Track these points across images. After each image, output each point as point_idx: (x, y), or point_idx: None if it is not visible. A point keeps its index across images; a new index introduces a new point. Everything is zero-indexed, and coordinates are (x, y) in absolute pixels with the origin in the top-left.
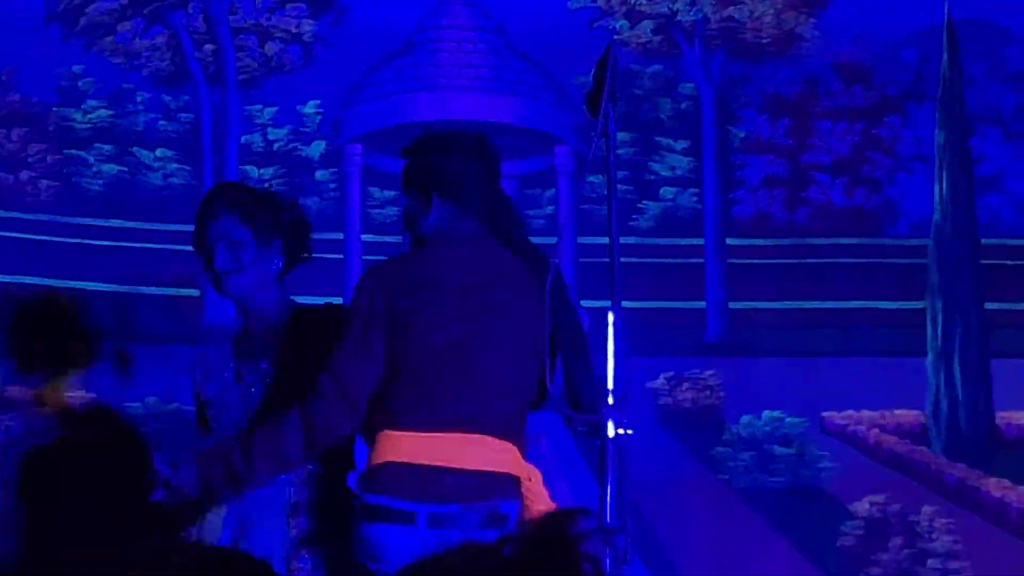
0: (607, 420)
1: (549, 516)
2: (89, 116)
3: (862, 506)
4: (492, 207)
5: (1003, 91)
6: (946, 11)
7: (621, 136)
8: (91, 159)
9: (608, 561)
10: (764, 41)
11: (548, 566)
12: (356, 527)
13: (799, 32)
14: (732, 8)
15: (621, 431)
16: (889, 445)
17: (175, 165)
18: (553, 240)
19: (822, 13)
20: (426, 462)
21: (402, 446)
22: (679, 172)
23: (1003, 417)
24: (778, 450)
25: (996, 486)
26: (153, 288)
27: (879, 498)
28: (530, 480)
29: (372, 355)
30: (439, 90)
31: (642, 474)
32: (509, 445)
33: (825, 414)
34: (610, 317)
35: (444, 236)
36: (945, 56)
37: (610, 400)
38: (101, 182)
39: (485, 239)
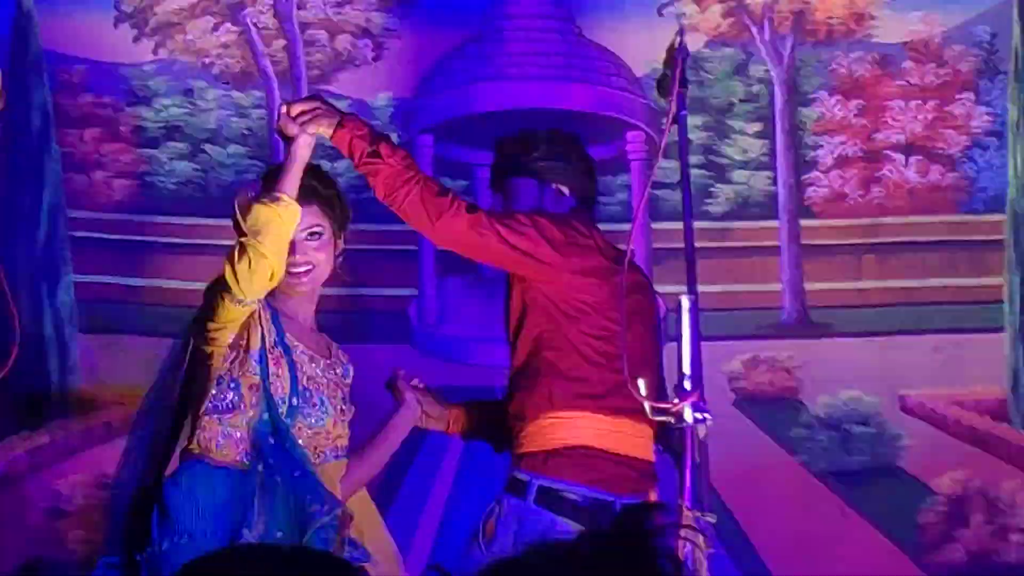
0: (685, 405)
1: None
2: (161, 115)
3: (943, 483)
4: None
5: None
6: None
7: (693, 120)
8: (164, 158)
9: (690, 548)
10: (834, 21)
11: (627, 562)
12: (532, 513)
13: (869, 11)
14: None
15: (699, 416)
16: (969, 422)
17: (248, 162)
18: (626, 227)
19: None
20: (621, 451)
21: (592, 430)
22: (752, 155)
23: None
24: (857, 430)
25: None
26: None
27: (959, 475)
28: None
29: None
30: (510, 79)
31: (720, 459)
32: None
33: (903, 392)
34: (685, 302)
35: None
36: (1016, 30)
37: (687, 385)
38: (175, 180)
39: (598, 229)
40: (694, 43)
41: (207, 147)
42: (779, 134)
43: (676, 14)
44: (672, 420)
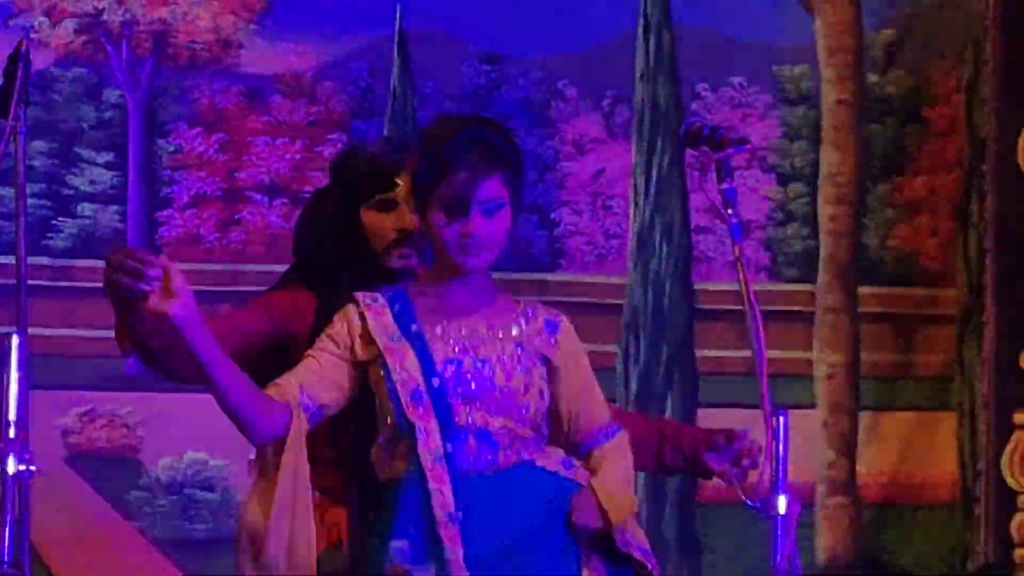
0: (7, 455)
1: None
2: None
3: None
4: None
5: (458, 107)
6: (397, 22)
7: (37, 145)
8: None
9: None
10: (199, 47)
11: None
12: None
13: (237, 39)
14: (164, 9)
15: (23, 467)
16: None
17: None
18: None
19: (264, 19)
20: None
21: None
22: (101, 187)
23: None
24: (201, 495)
25: None
26: None
27: None
28: None
29: None
30: None
31: (48, 518)
32: None
33: (253, 456)
34: (14, 342)
35: None
36: (396, 70)
37: (11, 433)
38: None
39: None
40: (43, 60)
41: None
42: (132, 166)
43: (24, 26)
44: None
